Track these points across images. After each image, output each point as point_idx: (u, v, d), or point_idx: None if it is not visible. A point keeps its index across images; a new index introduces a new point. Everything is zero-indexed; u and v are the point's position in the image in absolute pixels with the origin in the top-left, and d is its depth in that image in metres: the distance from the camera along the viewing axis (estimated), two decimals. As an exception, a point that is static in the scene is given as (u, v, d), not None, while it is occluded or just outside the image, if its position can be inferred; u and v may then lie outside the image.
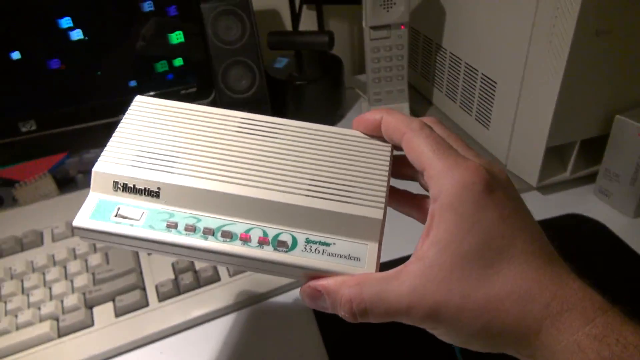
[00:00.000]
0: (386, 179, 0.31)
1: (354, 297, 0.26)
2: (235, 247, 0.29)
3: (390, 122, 0.30)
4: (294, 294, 0.50)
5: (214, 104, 0.64)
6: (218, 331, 0.47)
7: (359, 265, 0.29)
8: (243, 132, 0.32)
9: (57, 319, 0.47)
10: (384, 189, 0.30)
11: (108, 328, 0.47)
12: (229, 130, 0.32)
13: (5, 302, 0.48)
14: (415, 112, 0.76)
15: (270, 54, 0.76)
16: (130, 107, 0.33)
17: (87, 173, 0.69)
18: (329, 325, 0.47)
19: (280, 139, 0.32)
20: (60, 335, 0.46)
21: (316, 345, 0.45)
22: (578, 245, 0.52)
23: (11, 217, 0.60)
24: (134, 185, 0.30)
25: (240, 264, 0.30)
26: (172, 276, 0.50)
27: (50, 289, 0.50)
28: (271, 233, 0.29)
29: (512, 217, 0.26)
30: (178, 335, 0.47)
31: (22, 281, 0.50)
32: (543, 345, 0.25)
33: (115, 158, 0.31)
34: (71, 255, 0.53)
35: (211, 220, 0.30)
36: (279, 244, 0.29)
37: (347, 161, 0.31)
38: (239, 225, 0.30)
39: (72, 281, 0.50)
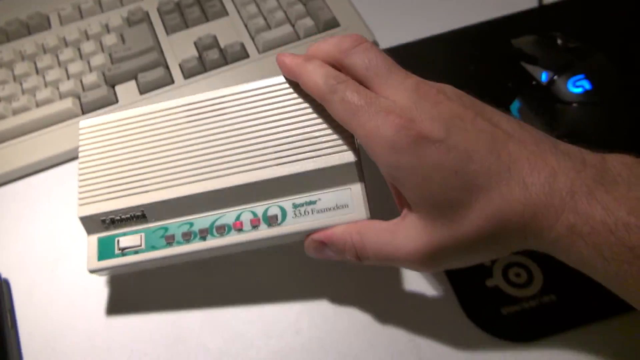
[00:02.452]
0: None
1: (358, 247, 0.28)
2: (233, 238, 0.30)
3: (306, 84, 0.29)
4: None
5: None
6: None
7: (348, 211, 0.30)
8: (193, 120, 0.32)
9: (78, 96, 0.44)
10: (348, 132, 0.30)
11: (134, 105, 0.44)
12: (180, 122, 0.33)
13: (21, 83, 0.45)
14: None
15: None
16: (80, 137, 0.33)
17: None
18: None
19: (230, 112, 0.32)
20: (84, 112, 0.44)
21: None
22: None
23: (8, 5, 0.54)
24: (120, 217, 0.31)
25: (245, 248, 0.31)
26: (195, 53, 0.46)
27: (66, 69, 0.46)
28: (259, 211, 0.31)
29: (460, 162, 0.24)
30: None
31: (34, 62, 0.47)
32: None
33: (91, 197, 0.32)
34: (83, 36, 0.48)
35: (202, 220, 0.31)
36: (271, 219, 0.30)
37: (301, 114, 0.31)
38: (228, 215, 0.31)
39: (88, 61, 0.46)
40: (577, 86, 0.36)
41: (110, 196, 0.32)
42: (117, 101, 0.44)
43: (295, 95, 0.32)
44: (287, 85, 0.32)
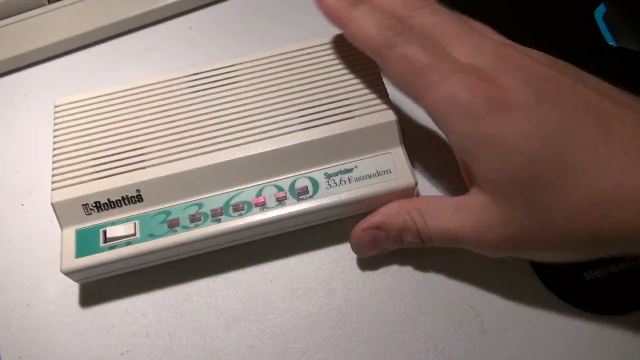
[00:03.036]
0: (378, 72, 0.27)
1: (420, 226, 0.23)
2: (256, 217, 0.25)
3: (354, 34, 0.23)
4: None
5: None
6: (264, 2, 0.35)
7: (391, 177, 0.25)
8: (198, 91, 0.27)
9: (41, -21, 0.35)
10: (382, 86, 0.26)
11: (114, -8, 0.34)
12: (181, 94, 0.27)
13: (-35, -43, 0.35)
14: None
15: None
16: (55, 117, 0.27)
17: None
18: None
19: (243, 81, 0.27)
20: (50, 1, 0.34)
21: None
22: None
23: None
24: (108, 199, 0.25)
25: (270, 230, 0.26)
26: None
27: (22, -60, 0.36)
28: (285, 184, 0.25)
29: (552, 103, 0.19)
30: (211, 7, 0.36)
31: None
32: None
33: (70, 178, 0.25)
34: None
35: (214, 199, 0.25)
36: (300, 192, 0.25)
37: (326, 74, 0.27)
38: (247, 192, 0.25)
39: None
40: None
41: (96, 176, 0.25)
42: (92, -13, 0.35)
43: (308, 56, 0.27)
44: (298, 49, 0.28)
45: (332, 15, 0.24)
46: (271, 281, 0.26)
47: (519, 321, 0.24)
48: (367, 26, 0.23)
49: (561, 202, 0.19)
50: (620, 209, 0.18)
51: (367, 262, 0.26)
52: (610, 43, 0.31)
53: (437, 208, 0.23)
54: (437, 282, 0.25)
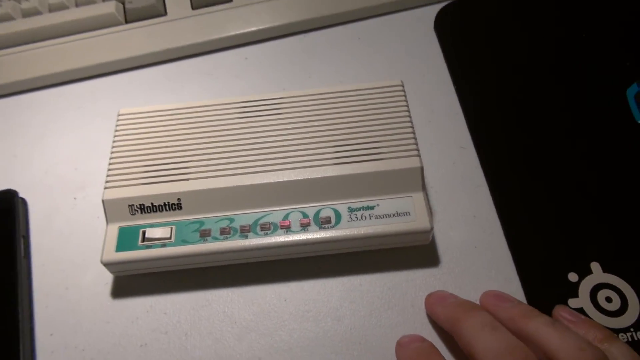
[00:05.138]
0: (410, 123, 0.29)
1: None
2: (280, 238, 0.27)
3: (467, 342, 0.23)
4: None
5: None
6: (318, 42, 0.39)
7: (409, 220, 0.27)
8: (247, 117, 0.30)
9: (122, 2, 0.39)
10: (411, 134, 0.28)
11: (183, 21, 0.38)
12: (232, 118, 0.30)
13: (61, -25, 0.40)
14: None
15: None
16: (116, 124, 0.30)
17: None
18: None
19: (287, 113, 0.30)
20: (127, 21, 0.38)
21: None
22: None
23: None
24: (152, 203, 0.28)
25: (291, 253, 0.28)
26: (261, -31, 0.40)
27: (112, -34, 0.40)
28: (311, 212, 0.27)
29: None
30: (269, 42, 0.39)
31: (78, -46, 0.41)
32: None
33: (121, 180, 0.28)
34: None
35: (244, 216, 0.28)
36: (323, 221, 0.27)
37: (362, 117, 0.29)
38: (275, 214, 0.28)
39: (138, -39, 0.40)
40: None
41: (144, 181, 0.28)
42: (165, 13, 0.39)
43: (347, 97, 0.30)
44: (339, 90, 0.30)
45: (440, 319, 0.26)
46: (285, 300, 0.28)
47: None
48: (488, 342, 0.22)
49: None
50: None
51: (376, 297, 0.28)
52: (639, 121, 0.32)
53: None
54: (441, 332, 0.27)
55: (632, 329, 0.26)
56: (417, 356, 0.24)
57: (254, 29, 0.38)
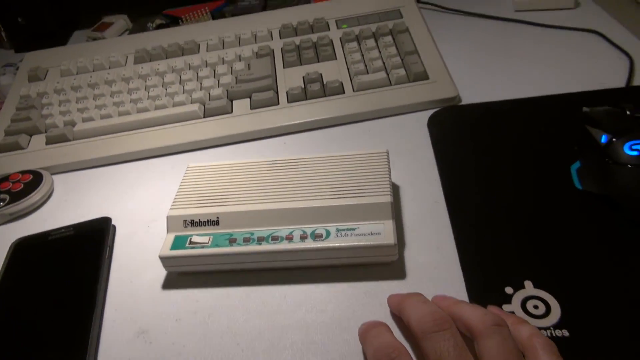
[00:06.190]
0: (387, 174, 0.40)
1: None
2: (283, 245, 0.37)
3: (409, 314, 0.31)
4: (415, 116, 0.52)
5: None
6: (337, 134, 0.52)
7: (379, 237, 0.36)
8: (273, 169, 0.42)
9: (204, 104, 0.55)
10: (387, 181, 0.39)
11: (244, 117, 0.53)
12: (262, 170, 0.43)
13: (166, 88, 0.57)
14: None
15: None
16: (185, 173, 0.44)
17: (237, 14, 0.76)
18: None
19: (302, 168, 0.42)
20: (205, 116, 0.54)
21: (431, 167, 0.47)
22: None
23: (174, 32, 0.69)
24: (199, 220, 0.39)
25: (292, 259, 0.37)
26: (302, 84, 0.55)
27: (201, 83, 0.58)
28: (309, 230, 0.38)
29: None
30: (302, 133, 0.53)
31: (180, 75, 0.59)
32: None
33: (182, 205, 0.40)
34: (220, 60, 0.60)
35: (262, 232, 0.38)
36: (317, 236, 0.37)
37: (355, 171, 0.41)
38: (283, 231, 0.38)
39: (218, 80, 0.57)
40: (633, 150, 0.37)
41: (197, 205, 0.40)
42: (231, 111, 0.54)
43: (347, 159, 0.42)
44: (343, 154, 0.43)
45: (395, 303, 0.33)
46: (285, 297, 0.37)
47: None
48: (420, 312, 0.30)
49: None
50: None
51: (354, 298, 0.36)
52: (578, 187, 0.40)
53: None
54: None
55: (552, 328, 0.32)
56: (372, 328, 0.32)
57: (292, 122, 0.52)
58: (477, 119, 0.50)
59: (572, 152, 0.43)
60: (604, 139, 0.39)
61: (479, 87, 0.53)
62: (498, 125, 0.48)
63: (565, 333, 0.31)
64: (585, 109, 0.43)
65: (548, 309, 0.33)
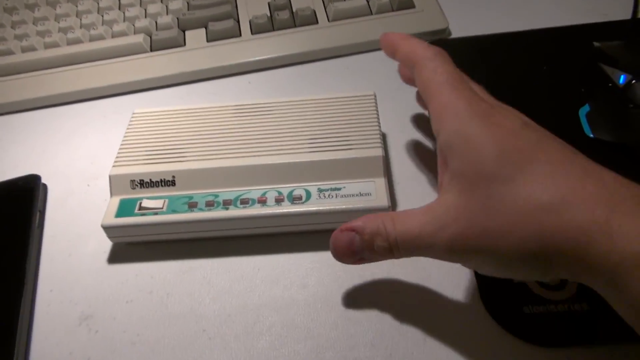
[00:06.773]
0: (377, 122, 0.34)
1: (389, 231, 0.25)
2: (255, 210, 0.31)
3: (404, 48, 0.30)
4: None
5: None
6: (311, 72, 0.44)
7: (370, 199, 0.31)
8: (239, 116, 0.35)
9: (150, 35, 0.46)
10: (377, 131, 0.33)
11: (199, 50, 0.45)
12: (226, 117, 0.35)
13: (102, 14, 0.48)
14: None
15: None
16: (130, 121, 0.36)
17: None
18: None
19: (274, 114, 0.35)
20: (152, 49, 0.45)
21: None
22: None
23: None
24: (150, 179, 0.32)
25: (265, 225, 0.31)
26: (267, 12, 0.47)
27: (145, 9, 0.48)
28: (285, 191, 0.31)
29: (525, 129, 0.24)
30: (268, 71, 0.45)
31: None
32: (599, 261, 0.20)
33: (128, 161, 0.33)
34: (168, -18, 0.50)
35: (228, 193, 0.32)
36: (295, 199, 0.31)
37: (337, 118, 0.34)
38: (254, 192, 0.32)
39: (167, 5, 0.48)
40: (657, 93, 0.32)
41: (146, 161, 0.33)
42: (184, 44, 0.46)
43: (328, 103, 0.35)
44: (322, 97, 0.36)
45: (388, 39, 0.31)
46: (258, 269, 0.31)
47: (459, 341, 0.27)
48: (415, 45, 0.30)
49: (515, 195, 0.22)
50: (534, 231, 0.21)
51: (340, 269, 0.31)
52: (589, 135, 0.36)
53: (408, 215, 0.25)
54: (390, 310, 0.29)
55: (569, 301, 0.28)
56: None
57: (257, 58, 0.44)
58: (470, 55, 0.43)
59: (579, 94, 0.38)
60: (622, 79, 0.34)
61: (472, 19, 0.46)
62: (493, 62, 0.42)
63: (585, 307, 0.28)
64: (596, 43, 0.38)
65: (563, 281, 0.29)
